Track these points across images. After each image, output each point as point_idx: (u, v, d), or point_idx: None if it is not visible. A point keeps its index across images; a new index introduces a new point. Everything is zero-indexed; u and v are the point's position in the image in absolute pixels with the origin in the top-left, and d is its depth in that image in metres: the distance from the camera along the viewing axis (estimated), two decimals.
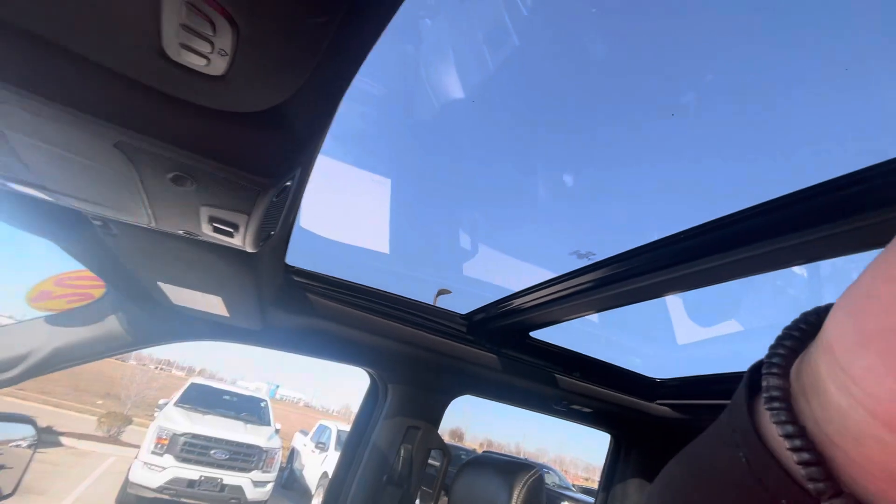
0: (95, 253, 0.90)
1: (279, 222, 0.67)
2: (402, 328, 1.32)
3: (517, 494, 1.06)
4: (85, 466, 7.66)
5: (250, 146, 0.47)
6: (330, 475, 7.65)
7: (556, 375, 1.53)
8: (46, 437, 8.39)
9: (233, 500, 6.00)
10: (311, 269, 1.23)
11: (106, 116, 0.42)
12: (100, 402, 14.07)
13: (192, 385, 7.61)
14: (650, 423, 1.71)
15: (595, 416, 1.75)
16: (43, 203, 0.73)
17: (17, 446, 1.42)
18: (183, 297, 1.06)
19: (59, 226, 0.80)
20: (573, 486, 12.02)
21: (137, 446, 6.59)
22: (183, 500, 5.77)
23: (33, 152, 0.48)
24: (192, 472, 5.83)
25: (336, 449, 8.08)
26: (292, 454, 10.02)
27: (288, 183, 0.54)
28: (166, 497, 5.71)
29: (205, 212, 0.55)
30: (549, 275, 1.17)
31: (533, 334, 1.45)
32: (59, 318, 1.17)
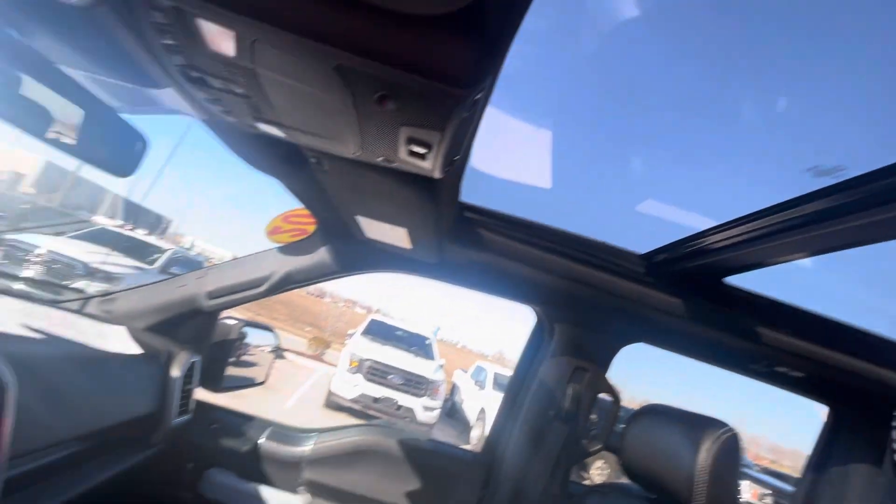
0: (310, 189, 1.07)
1: (462, 146, 0.69)
2: (572, 266, 1.27)
3: (706, 450, 0.93)
4: (301, 375, 9.84)
5: (445, 54, 0.48)
6: (487, 411, 8.25)
7: (758, 329, 1.30)
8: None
9: (406, 418, 7.01)
10: (483, 206, 1.26)
11: (328, 40, 0.47)
12: (308, 328, 17.74)
13: (372, 321, 8.95)
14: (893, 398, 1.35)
15: (808, 383, 1.46)
16: (275, 146, 0.89)
17: (263, 350, 1.88)
18: (374, 230, 1.20)
19: (285, 165, 0.96)
20: (754, 464, 10.63)
21: (335, 365, 8.16)
22: (369, 411, 6.98)
23: (273, 87, 0.57)
24: (376, 391, 6.98)
25: (493, 388, 8.66)
26: (454, 389, 11.13)
27: (478, 96, 0.54)
28: (357, 407, 6.99)
29: (403, 133, 0.59)
30: (752, 208, 0.97)
31: (729, 280, 1.24)
32: (286, 249, 1.46)
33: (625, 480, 1.21)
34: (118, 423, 1.08)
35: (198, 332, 1.48)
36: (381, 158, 0.70)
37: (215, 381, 1.50)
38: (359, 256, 1.43)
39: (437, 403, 7.37)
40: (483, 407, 8.33)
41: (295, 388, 8.40)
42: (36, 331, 1.01)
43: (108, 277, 6.50)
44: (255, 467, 1.44)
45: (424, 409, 7.14)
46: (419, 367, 7.48)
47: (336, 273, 1.46)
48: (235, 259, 1.49)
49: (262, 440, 1.46)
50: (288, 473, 1.45)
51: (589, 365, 1.44)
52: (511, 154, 1.32)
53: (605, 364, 1.46)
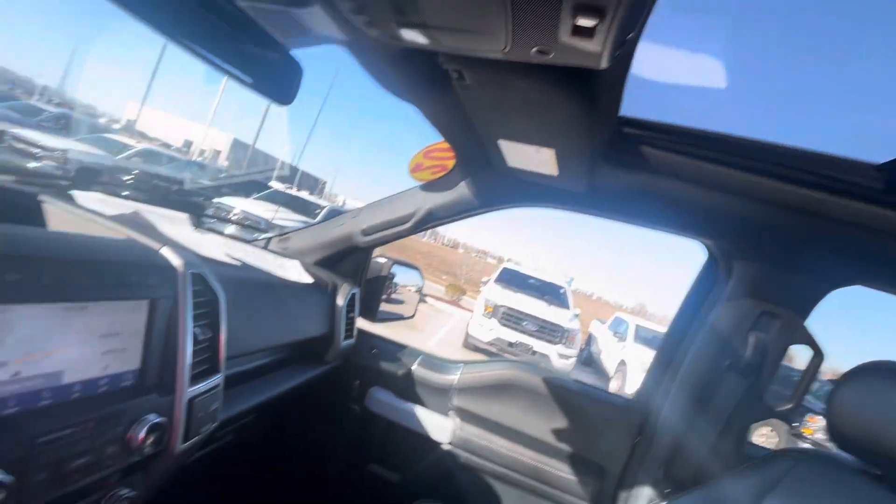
0: (449, 113, 1.02)
1: (640, 17, 0.55)
2: (768, 184, 0.99)
3: None
4: (441, 318, 10.60)
5: None
6: (628, 363, 7.85)
7: None
8: None
9: (541, 365, 7.09)
10: (646, 118, 1.06)
11: None
12: (444, 276, 18.96)
13: (505, 269, 9.05)
14: None
15: None
16: (415, 66, 0.85)
17: (410, 290, 2.00)
18: (517, 156, 1.12)
19: (425, 87, 0.92)
20: None
21: (471, 310, 8.55)
22: (504, 354, 7.21)
23: None
24: (511, 336, 7.16)
25: (635, 341, 8.16)
26: (590, 339, 10.84)
27: None
28: (493, 350, 7.28)
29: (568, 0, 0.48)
30: None
31: None
32: (428, 186, 1.47)
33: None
34: (299, 340, 1.25)
35: (356, 267, 1.62)
36: (535, 49, 0.60)
37: (372, 312, 1.65)
38: (500, 190, 1.37)
39: (573, 352, 7.26)
40: (623, 359, 7.96)
41: (436, 330, 9.10)
42: (236, 260, 1.20)
43: (282, 230, 7.75)
44: (410, 389, 1.56)
45: (559, 357, 7.10)
46: (553, 315, 7.39)
47: (477, 208, 1.43)
48: (384, 198, 1.56)
49: (414, 366, 1.58)
50: (438, 398, 1.54)
51: (781, 311, 1.18)
52: (682, 52, 1.07)
53: (803, 311, 1.18)
